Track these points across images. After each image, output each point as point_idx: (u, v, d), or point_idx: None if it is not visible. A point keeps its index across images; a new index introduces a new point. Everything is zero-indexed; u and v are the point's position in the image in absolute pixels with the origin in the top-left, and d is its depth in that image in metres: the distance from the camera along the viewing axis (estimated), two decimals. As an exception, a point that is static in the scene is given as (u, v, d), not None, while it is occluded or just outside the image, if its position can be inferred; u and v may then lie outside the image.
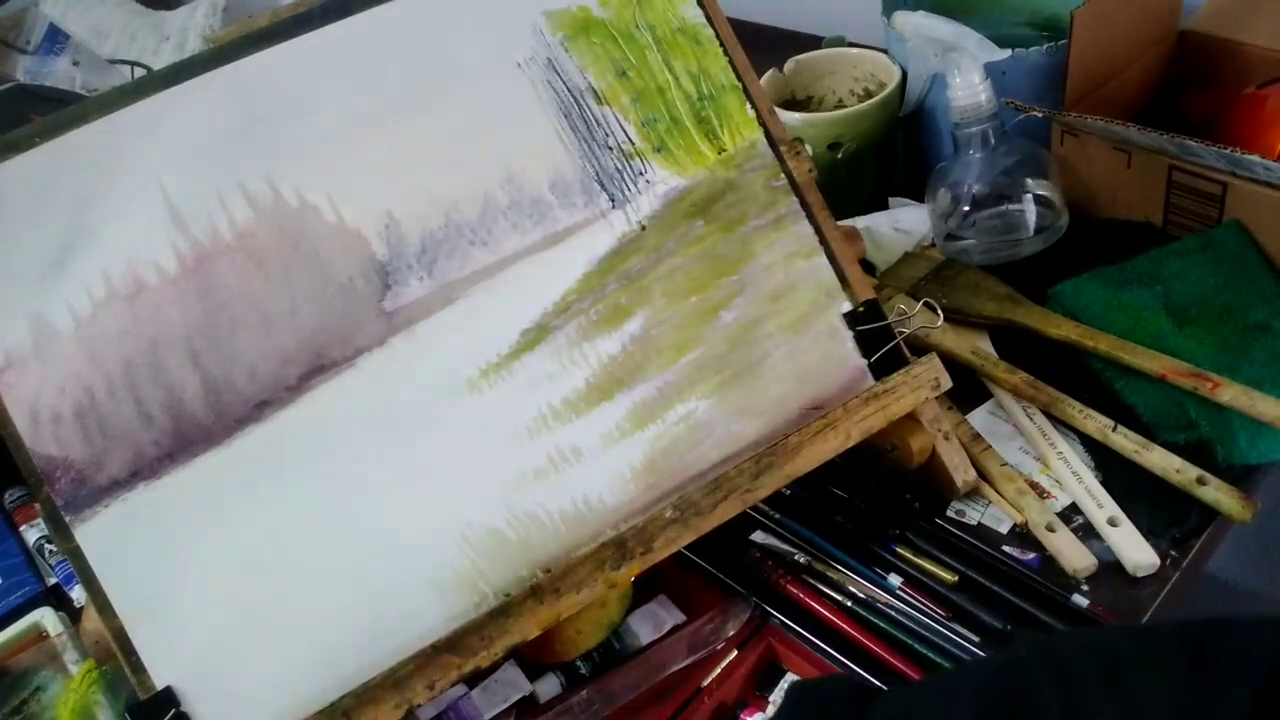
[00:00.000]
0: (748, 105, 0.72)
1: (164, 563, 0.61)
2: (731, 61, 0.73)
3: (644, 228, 0.70)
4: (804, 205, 0.72)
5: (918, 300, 0.81)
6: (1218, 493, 0.73)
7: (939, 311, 0.78)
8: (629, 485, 0.66)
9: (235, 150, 0.65)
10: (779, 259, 0.71)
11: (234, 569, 0.62)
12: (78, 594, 0.82)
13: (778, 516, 0.78)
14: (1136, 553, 0.71)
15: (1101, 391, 0.82)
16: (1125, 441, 0.77)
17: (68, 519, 0.61)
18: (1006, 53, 0.95)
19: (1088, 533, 0.73)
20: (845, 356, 0.71)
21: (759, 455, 0.67)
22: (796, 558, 0.75)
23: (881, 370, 0.71)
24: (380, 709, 0.60)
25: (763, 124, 0.73)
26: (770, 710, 0.68)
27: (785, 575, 0.73)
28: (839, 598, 0.72)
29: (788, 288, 0.71)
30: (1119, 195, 0.93)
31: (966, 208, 0.94)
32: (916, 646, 0.69)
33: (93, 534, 0.61)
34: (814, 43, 1.20)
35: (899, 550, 0.74)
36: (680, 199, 0.71)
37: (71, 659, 0.77)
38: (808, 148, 0.74)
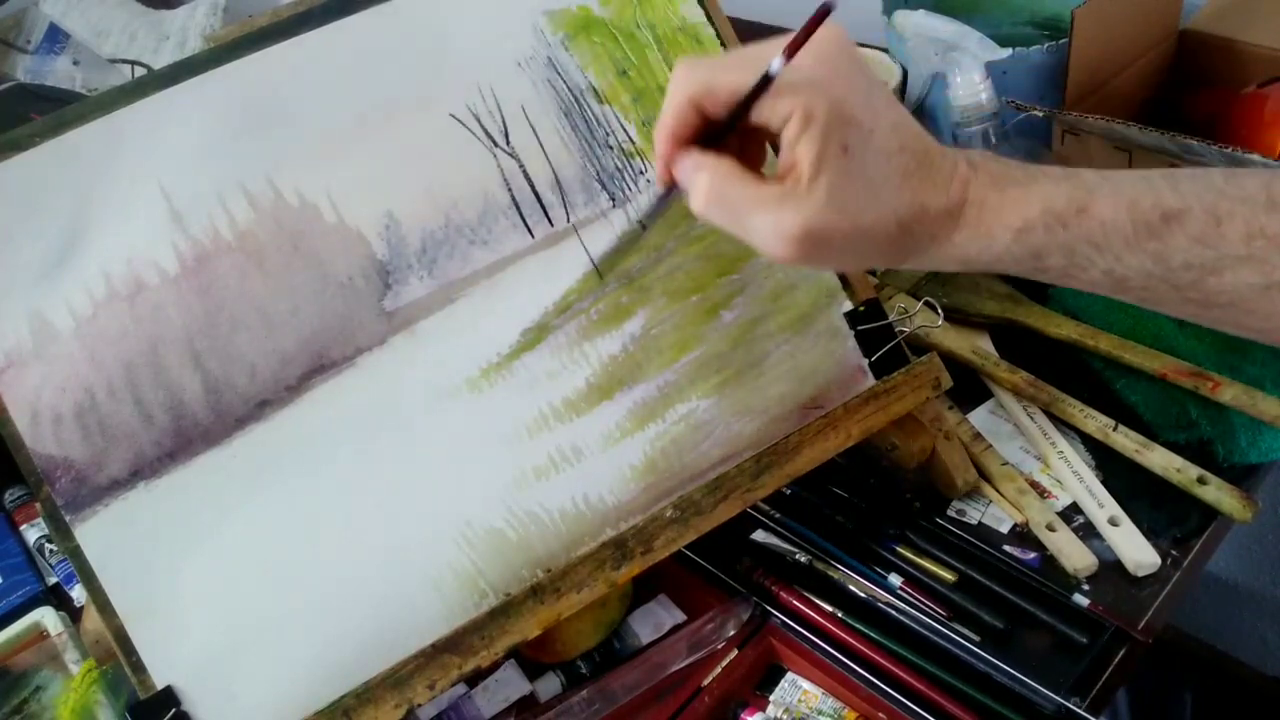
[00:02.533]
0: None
1: (164, 562, 0.61)
2: (732, 61, 0.72)
3: (644, 226, 0.70)
4: (804, 205, 0.72)
5: (918, 299, 0.81)
6: (1218, 492, 0.73)
7: (939, 311, 0.78)
8: (629, 485, 0.66)
9: (235, 150, 0.65)
10: (779, 258, 0.71)
11: (235, 568, 0.62)
12: (78, 593, 0.82)
13: (778, 516, 0.78)
14: (1137, 552, 0.71)
15: (1102, 391, 0.82)
16: (1126, 441, 0.77)
17: (68, 518, 0.61)
18: (1007, 52, 0.95)
19: (1088, 532, 0.73)
20: (846, 356, 0.71)
21: (759, 455, 0.67)
22: (797, 557, 0.75)
23: (882, 369, 0.71)
24: (381, 708, 0.60)
25: (763, 123, 0.73)
26: (770, 710, 0.68)
27: (780, 583, 0.73)
28: (831, 609, 0.72)
29: (788, 287, 0.71)
30: (1119, 194, 0.93)
31: (967, 207, 0.94)
32: (913, 655, 0.69)
33: (93, 533, 0.61)
34: (814, 42, 1.19)
35: (899, 550, 0.74)
36: (681, 198, 0.70)
37: (72, 658, 0.77)
38: (808, 147, 0.74)
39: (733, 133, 0.47)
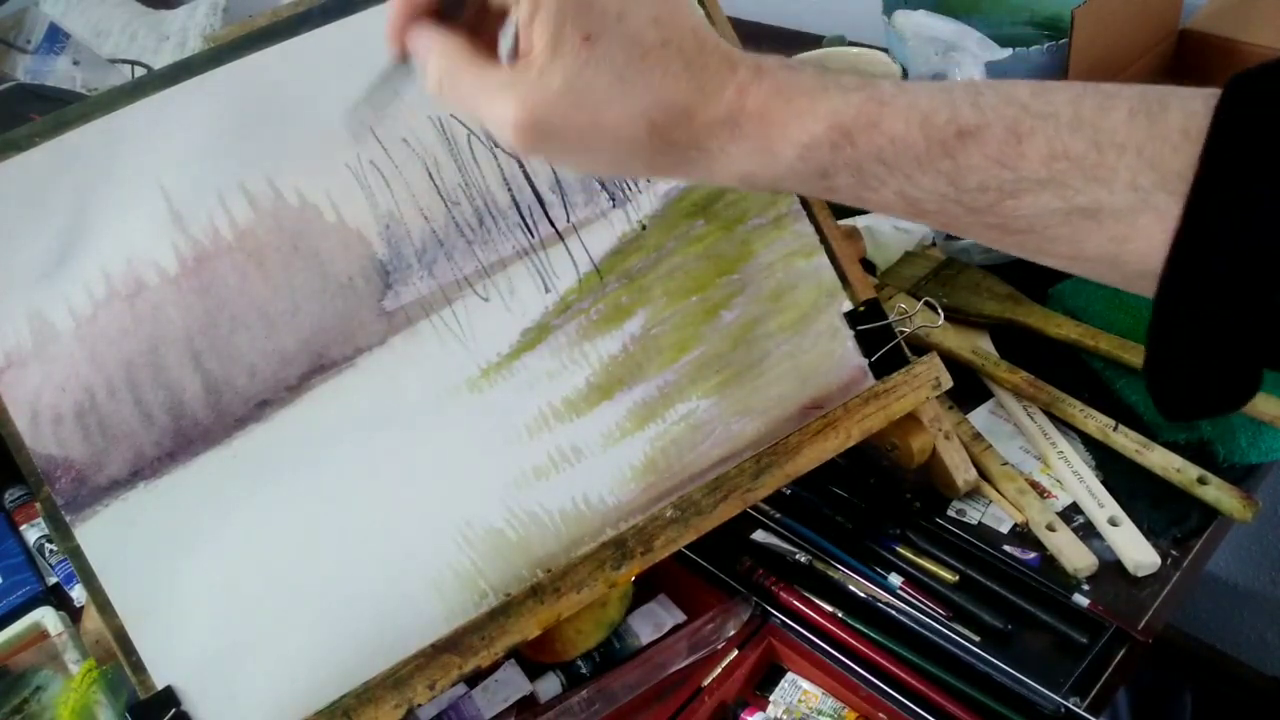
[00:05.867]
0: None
1: (165, 562, 0.61)
2: (732, 61, 0.72)
3: (644, 227, 0.70)
4: (804, 204, 0.72)
5: (918, 299, 0.81)
6: (1218, 492, 0.73)
7: (939, 311, 0.78)
8: (629, 484, 0.66)
9: (235, 150, 0.65)
10: (779, 258, 0.71)
11: (234, 568, 0.62)
12: (78, 593, 0.82)
13: (778, 516, 0.78)
14: (1137, 552, 0.71)
15: (1102, 391, 0.82)
16: (1126, 441, 0.77)
17: (68, 518, 0.61)
18: (1007, 52, 0.95)
19: (1088, 532, 0.73)
20: (846, 356, 0.71)
21: (759, 455, 0.67)
22: (797, 557, 0.75)
23: (882, 370, 0.71)
24: (381, 709, 0.60)
25: (763, 123, 0.72)
26: (770, 710, 0.68)
27: (780, 583, 0.73)
28: (831, 609, 0.72)
29: (788, 287, 0.71)
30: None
31: (967, 207, 0.94)
32: (913, 655, 0.69)
33: (93, 533, 0.61)
34: (814, 42, 1.20)
35: (899, 550, 0.74)
36: (681, 198, 0.71)
37: (72, 658, 0.77)
38: (808, 147, 0.74)
39: (467, 7, 0.45)
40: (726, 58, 0.42)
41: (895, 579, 0.72)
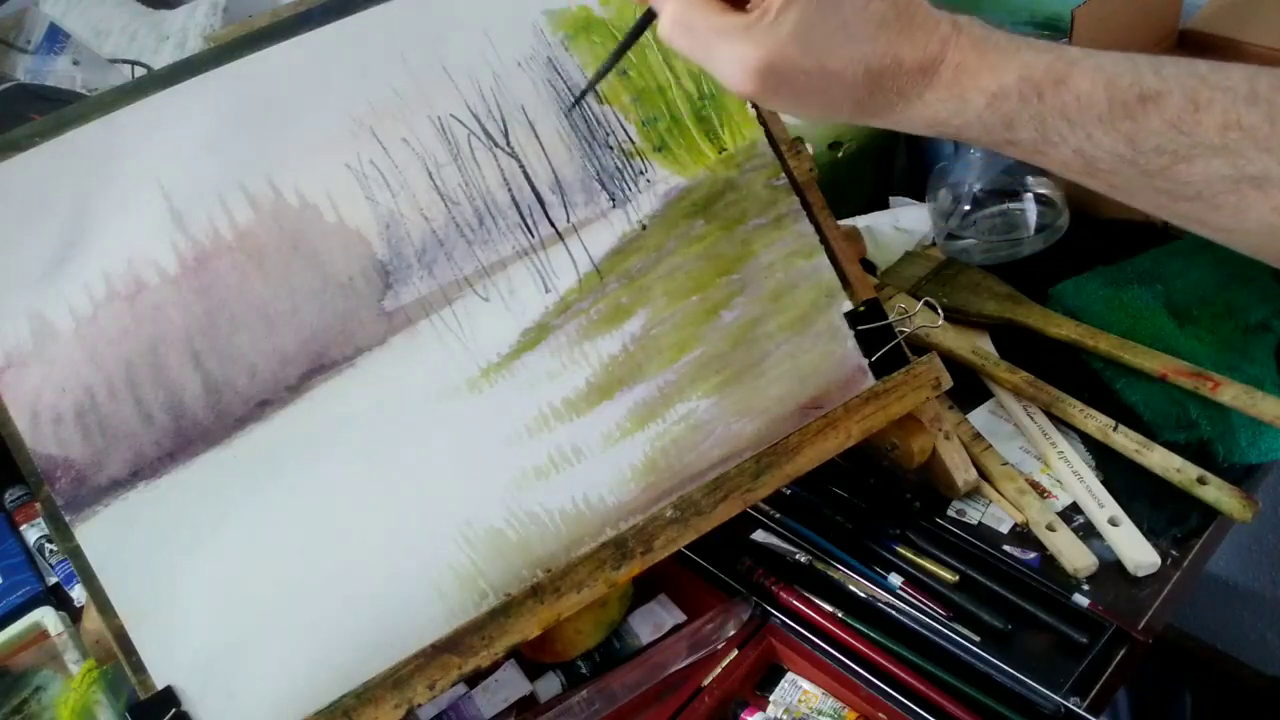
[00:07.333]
0: (748, 104, 0.72)
1: (165, 562, 0.61)
2: (732, 61, 0.72)
3: (645, 227, 0.70)
4: (805, 204, 0.72)
5: (918, 299, 0.81)
6: (1218, 492, 0.73)
7: (939, 311, 0.78)
8: (629, 484, 0.66)
9: (235, 150, 0.65)
10: (780, 258, 0.71)
11: (235, 568, 0.62)
12: (78, 593, 0.82)
13: (778, 516, 0.78)
14: (1137, 552, 0.71)
15: (1102, 391, 0.82)
16: (1126, 441, 0.77)
17: (68, 518, 0.61)
18: (1007, 52, 0.94)
19: (1088, 532, 0.73)
20: (846, 356, 0.71)
21: (759, 455, 0.67)
22: (797, 557, 0.75)
23: (882, 369, 0.71)
24: (381, 708, 0.60)
25: (763, 123, 0.73)
26: (770, 710, 0.68)
27: (780, 583, 0.73)
28: (831, 609, 0.72)
29: (788, 287, 0.71)
30: (1119, 194, 0.93)
31: (967, 207, 0.94)
32: (913, 655, 0.69)
33: (93, 533, 0.61)
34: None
35: (899, 550, 0.74)
36: (681, 198, 0.71)
37: (72, 658, 0.77)
38: (808, 147, 0.74)
39: None
40: (931, 12, 0.45)
41: (895, 579, 0.72)
